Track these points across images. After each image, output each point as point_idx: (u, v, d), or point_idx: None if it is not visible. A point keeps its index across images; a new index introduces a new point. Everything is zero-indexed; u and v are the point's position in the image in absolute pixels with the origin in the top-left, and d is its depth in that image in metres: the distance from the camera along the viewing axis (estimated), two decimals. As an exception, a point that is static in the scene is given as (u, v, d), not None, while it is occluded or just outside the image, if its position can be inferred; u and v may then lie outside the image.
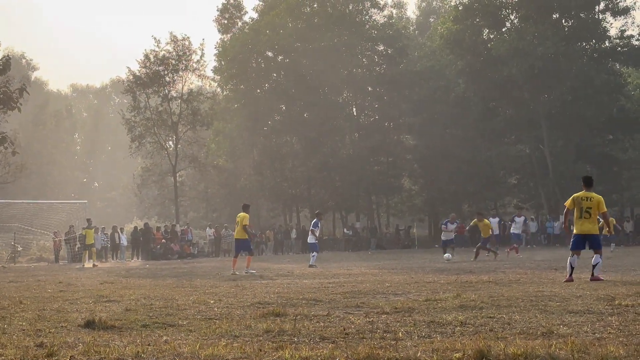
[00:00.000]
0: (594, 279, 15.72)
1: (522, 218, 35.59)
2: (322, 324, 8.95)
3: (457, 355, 6.23)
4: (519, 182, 68.89)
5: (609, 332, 7.60)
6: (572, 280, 15.55)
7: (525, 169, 65.28)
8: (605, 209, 16.85)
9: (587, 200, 16.60)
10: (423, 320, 8.93)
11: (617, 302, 10.47)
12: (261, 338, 7.80)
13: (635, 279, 15.64)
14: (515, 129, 62.81)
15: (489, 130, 62.01)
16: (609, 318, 8.78)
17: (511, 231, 35.55)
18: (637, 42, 61.27)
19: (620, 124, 59.84)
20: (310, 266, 26.61)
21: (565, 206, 17.06)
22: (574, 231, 16.75)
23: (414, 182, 74.21)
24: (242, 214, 24.65)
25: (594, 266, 16.04)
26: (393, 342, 7.20)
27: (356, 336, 7.80)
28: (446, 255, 28.49)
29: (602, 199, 16.69)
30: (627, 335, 7.33)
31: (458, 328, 8.25)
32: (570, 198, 16.88)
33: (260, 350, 6.85)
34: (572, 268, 16.08)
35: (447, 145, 63.68)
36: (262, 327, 8.54)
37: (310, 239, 28.98)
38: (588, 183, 16.95)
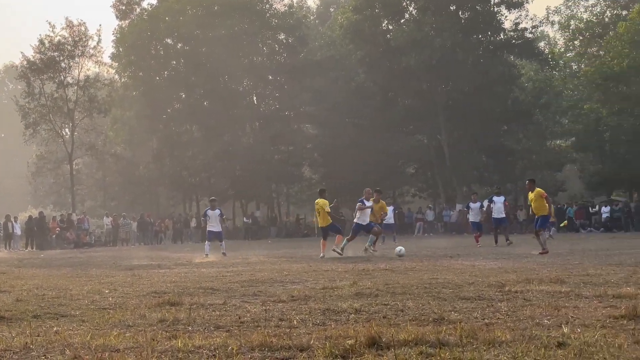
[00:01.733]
0: None
1: (478, 204, 31.72)
2: (217, 312, 8.91)
3: (350, 342, 6.28)
4: (417, 171, 69.94)
5: (498, 318, 7.79)
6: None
7: (423, 159, 66.27)
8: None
9: None
10: (318, 308, 8.97)
11: (507, 288, 10.73)
12: (155, 327, 7.72)
13: (526, 266, 16.05)
14: (414, 119, 63.69)
15: (388, 120, 62.65)
16: (499, 304, 9.00)
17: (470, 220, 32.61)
18: (530, 35, 62.82)
19: (514, 115, 61.29)
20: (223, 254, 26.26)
21: None
22: None
23: (315, 171, 74.50)
24: (320, 200, 24.78)
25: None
26: (287, 330, 7.22)
27: (251, 324, 7.80)
28: (398, 249, 22.64)
29: None
30: (515, 321, 7.53)
31: (352, 315, 8.32)
32: None
33: (153, 339, 6.79)
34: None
35: (347, 135, 64.06)
36: (156, 317, 8.45)
37: (216, 228, 28.08)
38: None
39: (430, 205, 62.99)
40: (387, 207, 35.59)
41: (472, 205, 31.76)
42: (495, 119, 61.61)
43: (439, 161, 61.99)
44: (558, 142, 71.54)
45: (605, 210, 52.50)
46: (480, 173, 64.72)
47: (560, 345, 6.01)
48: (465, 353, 5.85)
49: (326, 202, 24.61)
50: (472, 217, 31.55)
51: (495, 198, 30.35)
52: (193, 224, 57.31)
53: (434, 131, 62.40)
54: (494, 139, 62.55)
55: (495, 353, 5.84)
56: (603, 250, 23.17)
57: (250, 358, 5.98)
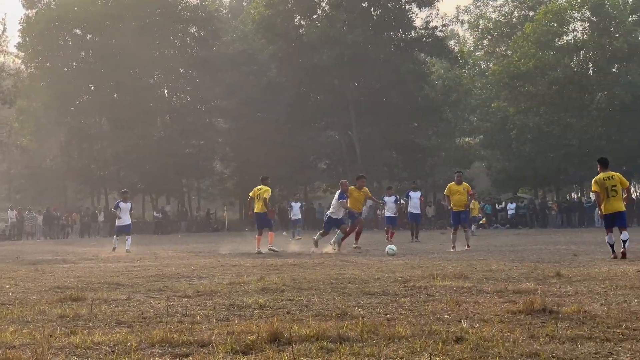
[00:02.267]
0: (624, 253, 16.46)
1: (393, 198, 30.47)
2: (120, 308, 8.79)
3: (252, 337, 6.28)
4: (328, 167, 70.22)
5: (400, 313, 7.88)
6: (617, 257, 16.33)
7: (334, 154, 66.64)
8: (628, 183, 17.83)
9: (610, 180, 17.12)
10: (223, 304, 8.94)
11: (411, 284, 10.87)
12: (54, 323, 7.56)
13: (431, 262, 16.29)
14: (326, 115, 63.98)
15: (300, 115, 62.76)
16: (402, 299, 9.10)
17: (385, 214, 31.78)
18: (441, 33, 63.69)
19: (424, 112, 62.07)
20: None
21: (595, 191, 17.50)
22: (603, 211, 17.26)
23: (226, 166, 74.19)
24: (263, 186, 23.48)
25: (624, 242, 16.65)
26: (190, 326, 7.18)
27: (154, 320, 7.72)
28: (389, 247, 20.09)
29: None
30: (416, 316, 7.63)
31: (257, 311, 8.31)
32: (594, 182, 17.37)
33: (51, 336, 6.66)
34: (611, 246, 16.83)
35: (259, 130, 63.96)
36: (56, 312, 8.27)
37: (127, 221, 27.38)
38: (605, 164, 17.55)
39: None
40: (292, 204, 35.50)
41: (386, 199, 30.79)
42: (406, 116, 62.28)
43: (350, 157, 62.40)
44: (467, 139, 72.76)
45: (511, 207, 53.75)
46: (390, 169, 65.41)
47: (458, 340, 6.12)
48: (365, 348, 5.90)
49: (269, 189, 23.56)
50: (387, 211, 30.84)
51: (411, 193, 30.42)
52: (101, 217, 56.47)
53: (346, 127, 62.79)
54: (404, 136, 63.27)
55: (395, 348, 5.91)
56: (507, 247, 23.69)
57: (150, 354, 5.92)
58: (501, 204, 55.80)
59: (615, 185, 16.92)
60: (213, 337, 6.42)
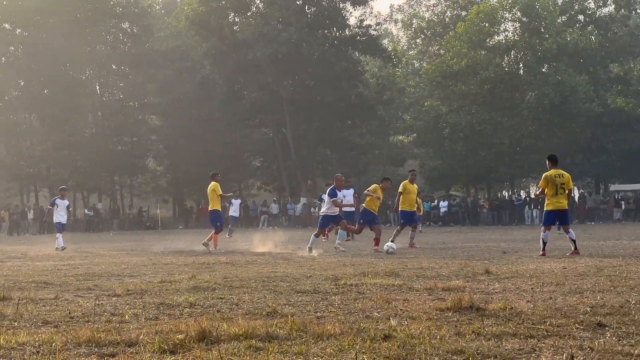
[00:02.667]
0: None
1: (350, 190, 29.90)
2: (47, 307, 8.66)
3: (180, 336, 6.25)
4: (262, 164, 70.13)
5: (330, 311, 7.91)
6: (546, 255, 16.55)
7: (268, 152, 66.56)
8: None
9: (560, 177, 17.28)
10: (153, 303, 8.87)
11: (342, 282, 10.91)
12: (-22, 324, 7.43)
13: (363, 260, 16.38)
14: (260, 112, 63.84)
15: (234, 112, 62.55)
16: (333, 297, 9.14)
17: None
18: (375, 32, 64.02)
19: (358, 110, 62.32)
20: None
21: (541, 187, 17.54)
22: (548, 207, 17.41)
23: (159, 163, 73.61)
24: (213, 183, 23.04)
25: (574, 240, 16.99)
26: (117, 325, 7.11)
27: (81, 320, 7.62)
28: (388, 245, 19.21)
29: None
30: (346, 314, 7.67)
31: (187, 309, 8.27)
32: (544, 178, 17.38)
33: (-26, 337, 6.54)
34: (545, 243, 16.96)
35: (192, 127, 63.59)
36: (-19, 313, 8.13)
37: (64, 219, 26.69)
38: (556, 161, 17.67)
39: (275, 199, 63.39)
40: (233, 201, 35.19)
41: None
42: (340, 114, 62.51)
43: (284, 155, 62.44)
44: (400, 137, 73.28)
45: (444, 204, 54.37)
46: (324, 167, 65.60)
47: (385, 337, 6.17)
48: (293, 347, 5.91)
49: (215, 185, 23.00)
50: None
51: (345, 191, 30.05)
52: (31, 215, 55.53)
53: (280, 125, 62.77)
54: (338, 134, 63.52)
55: (323, 346, 5.93)
56: (439, 244, 23.97)
57: (76, 354, 5.84)
58: (434, 202, 56.34)
59: (564, 184, 17.24)
60: (141, 337, 6.37)
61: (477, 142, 57.14)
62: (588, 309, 7.58)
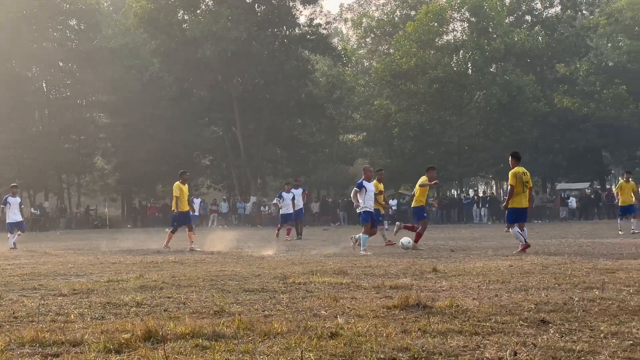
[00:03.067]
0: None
1: (291, 194, 28.84)
2: (-9, 308, 8.54)
3: (126, 336, 6.20)
4: (212, 163, 69.91)
5: (278, 309, 7.91)
6: (529, 245, 17.05)
7: (218, 150, 66.37)
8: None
9: (525, 175, 17.54)
10: (99, 302, 8.78)
11: (290, 280, 10.91)
12: None
13: (312, 259, 16.40)
14: (209, 111, 63.61)
15: (183, 111, 62.22)
16: (281, 296, 9.14)
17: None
18: (324, 31, 64.14)
19: (308, 108, 62.42)
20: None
21: (512, 184, 17.58)
22: (514, 205, 17.50)
23: (108, 162, 72.97)
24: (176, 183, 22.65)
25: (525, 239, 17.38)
26: (62, 325, 7.03)
27: (25, 319, 7.51)
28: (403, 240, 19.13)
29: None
30: (294, 312, 7.67)
31: (133, 309, 8.20)
32: (513, 175, 17.48)
33: None
34: (521, 237, 17.33)
35: (141, 125, 63.14)
36: None
37: (17, 217, 26.38)
38: (519, 158, 17.93)
39: (224, 197, 63.18)
40: (194, 200, 34.58)
41: (285, 195, 29.33)
42: (290, 112, 62.60)
43: (234, 153, 62.29)
44: (350, 136, 73.51)
45: (393, 203, 54.46)
46: (274, 165, 65.60)
47: (332, 335, 6.19)
48: (240, 345, 5.90)
49: (175, 185, 22.56)
50: (284, 208, 29.09)
51: (294, 190, 29.91)
52: (-23, 215, 54.58)
53: (229, 123, 62.60)
54: (288, 132, 63.58)
55: (270, 344, 5.93)
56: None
57: (19, 354, 5.77)
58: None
59: (527, 182, 17.52)
60: (86, 336, 6.31)
61: (426, 141, 57.60)
62: (532, 306, 7.68)
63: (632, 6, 56.34)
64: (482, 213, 52.73)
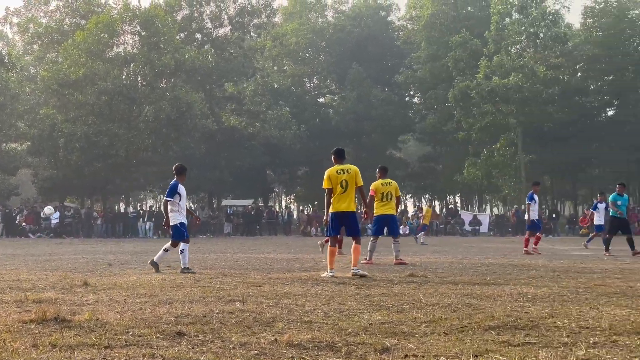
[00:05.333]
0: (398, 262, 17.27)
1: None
2: None
3: None
4: None
5: None
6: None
7: None
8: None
9: (387, 186, 17.57)
10: None
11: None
12: None
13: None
14: None
15: None
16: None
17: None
18: None
19: None
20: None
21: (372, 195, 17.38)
22: (375, 213, 17.38)
23: None
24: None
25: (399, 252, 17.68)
26: None
27: None
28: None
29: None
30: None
31: None
32: (374, 187, 17.59)
33: None
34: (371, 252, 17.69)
35: None
36: None
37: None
38: (387, 170, 18.25)
39: None
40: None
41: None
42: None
43: None
44: (13, 145, 70.34)
45: (55, 216, 52.92)
46: None
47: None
48: None
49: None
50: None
51: None
52: None
53: None
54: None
55: None
56: (46, 256, 23.31)
57: None
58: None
59: (390, 192, 17.73)
60: None
61: (93, 153, 56.49)
62: (173, 319, 7.78)
63: (296, 32, 59.31)
64: (147, 227, 52.77)
